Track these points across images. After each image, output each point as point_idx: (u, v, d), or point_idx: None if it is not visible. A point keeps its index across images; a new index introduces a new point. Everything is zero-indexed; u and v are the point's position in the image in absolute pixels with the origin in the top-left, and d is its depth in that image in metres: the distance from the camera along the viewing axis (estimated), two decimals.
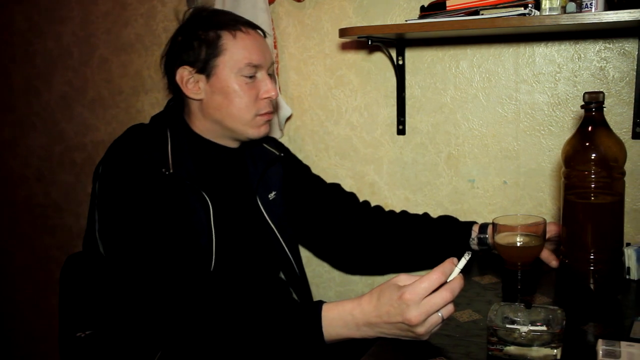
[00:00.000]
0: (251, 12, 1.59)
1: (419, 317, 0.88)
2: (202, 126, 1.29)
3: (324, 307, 0.98)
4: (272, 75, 1.31)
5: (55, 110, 2.15)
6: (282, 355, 0.99)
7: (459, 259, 0.93)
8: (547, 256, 1.22)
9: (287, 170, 1.45)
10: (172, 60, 1.27)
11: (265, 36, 1.33)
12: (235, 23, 1.25)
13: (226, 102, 1.23)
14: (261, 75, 1.26)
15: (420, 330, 0.90)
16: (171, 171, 1.16)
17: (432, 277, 0.90)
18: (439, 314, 0.90)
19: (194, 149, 1.27)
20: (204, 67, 1.23)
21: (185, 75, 1.24)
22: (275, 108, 1.33)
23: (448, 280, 0.91)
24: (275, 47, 1.64)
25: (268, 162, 1.38)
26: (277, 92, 1.29)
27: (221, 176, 1.30)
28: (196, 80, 1.24)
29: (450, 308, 0.91)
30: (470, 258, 0.93)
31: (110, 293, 1.22)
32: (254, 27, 1.28)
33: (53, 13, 2.08)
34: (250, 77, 1.24)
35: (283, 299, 1.12)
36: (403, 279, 0.93)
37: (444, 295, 0.89)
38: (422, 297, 0.89)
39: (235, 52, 1.22)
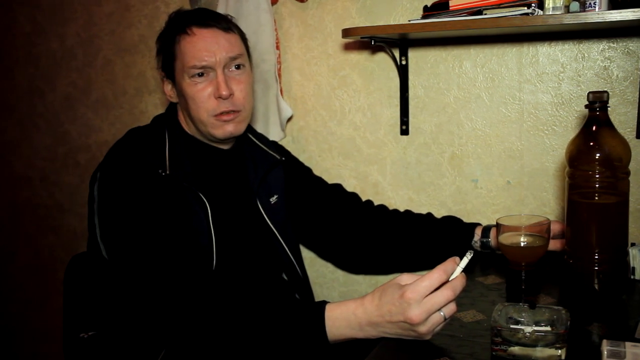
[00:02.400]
0: (254, 13, 1.59)
1: (421, 315, 0.88)
2: (188, 128, 1.31)
3: (327, 307, 0.98)
4: (240, 69, 1.27)
5: (59, 111, 2.15)
6: (285, 355, 0.99)
7: (462, 258, 0.93)
8: (554, 244, 1.22)
9: (289, 174, 1.45)
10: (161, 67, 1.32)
11: (227, 30, 1.26)
12: (185, 26, 1.24)
13: (186, 105, 1.26)
14: (214, 74, 1.24)
15: (422, 329, 0.89)
16: (168, 172, 1.17)
17: (434, 275, 0.90)
18: (441, 313, 0.90)
19: (190, 151, 1.28)
20: (169, 73, 1.28)
21: (163, 80, 1.31)
22: (241, 105, 1.27)
23: (450, 279, 0.91)
24: (278, 47, 1.64)
25: (269, 166, 1.38)
26: (233, 89, 1.23)
27: (218, 178, 1.31)
28: (169, 85, 1.30)
29: (452, 307, 0.91)
30: (472, 257, 0.93)
31: (114, 294, 1.22)
32: (207, 25, 1.24)
33: (56, 14, 2.08)
34: (200, 75, 1.23)
35: (286, 299, 1.11)
36: (405, 278, 0.93)
37: (446, 293, 0.89)
38: (423, 295, 0.89)
39: (181, 55, 1.24)
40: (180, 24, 1.25)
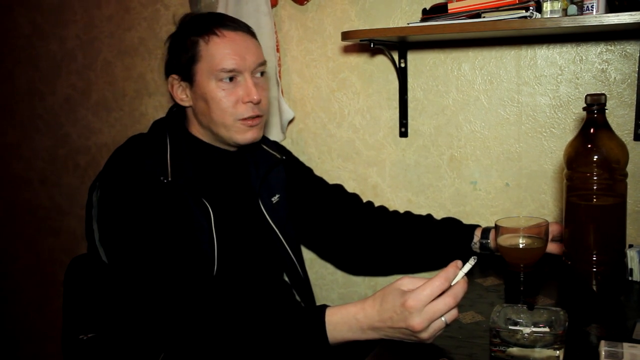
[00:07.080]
0: (254, 16, 1.59)
1: (422, 324, 0.89)
2: (198, 131, 1.29)
3: (328, 312, 0.98)
4: (263, 76, 1.28)
5: (59, 113, 2.16)
6: (286, 359, 0.99)
7: (464, 262, 0.93)
8: (554, 248, 1.23)
9: (290, 173, 1.45)
10: (166, 69, 1.28)
11: (253, 34, 1.27)
12: (212, 27, 1.21)
13: (207, 108, 1.22)
14: (242, 78, 1.22)
15: (424, 335, 0.90)
16: (169, 179, 1.16)
17: (435, 283, 0.89)
18: (443, 319, 0.90)
19: (194, 154, 1.27)
20: (187, 75, 1.23)
21: (174, 83, 1.26)
22: (265, 111, 1.27)
23: (452, 284, 0.91)
24: (277, 50, 1.64)
25: (270, 165, 1.38)
26: (261, 95, 1.23)
27: (222, 181, 1.30)
28: (183, 88, 1.25)
29: (454, 313, 0.91)
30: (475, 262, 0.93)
31: (114, 297, 1.22)
32: (235, 28, 1.23)
33: (57, 17, 2.09)
34: (230, 80, 1.21)
35: (286, 304, 1.10)
36: (406, 282, 0.93)
37: (447, 301, 0.89)
38: (424, 304, 0.89)
39: (209, 58, 1.20)
40: (204, 26, 1.22)
